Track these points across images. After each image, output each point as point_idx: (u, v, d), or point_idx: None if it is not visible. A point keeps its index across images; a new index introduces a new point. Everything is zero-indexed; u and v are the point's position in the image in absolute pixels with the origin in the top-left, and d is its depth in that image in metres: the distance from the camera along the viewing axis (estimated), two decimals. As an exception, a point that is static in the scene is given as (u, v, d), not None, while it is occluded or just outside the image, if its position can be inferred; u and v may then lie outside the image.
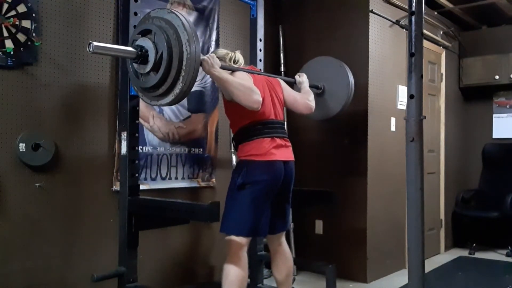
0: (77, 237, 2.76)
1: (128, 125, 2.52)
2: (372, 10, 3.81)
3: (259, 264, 3.16)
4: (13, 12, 2.47)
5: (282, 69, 4.23)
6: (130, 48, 2.14)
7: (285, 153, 2.58)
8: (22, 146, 2.48)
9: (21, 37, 2.49)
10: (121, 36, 2.84)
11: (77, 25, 2.75)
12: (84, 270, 2.70)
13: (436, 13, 4.80)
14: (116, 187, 2.85)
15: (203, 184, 3.48)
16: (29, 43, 2.51)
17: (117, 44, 2.90)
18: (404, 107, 4.02)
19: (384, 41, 3.98)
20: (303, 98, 2.82)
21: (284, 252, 2.73)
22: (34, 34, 2.53)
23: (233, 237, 2.43)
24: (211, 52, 2.82)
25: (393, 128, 4.10)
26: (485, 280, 4.00)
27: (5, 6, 2.44)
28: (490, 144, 5.33)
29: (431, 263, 4.42)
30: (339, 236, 3.90)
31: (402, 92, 4.16)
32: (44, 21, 2.60)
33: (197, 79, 3.39)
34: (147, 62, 2.10)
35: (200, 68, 2.26)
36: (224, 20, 3.67)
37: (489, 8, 4.84)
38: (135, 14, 2.48)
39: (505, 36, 5.15)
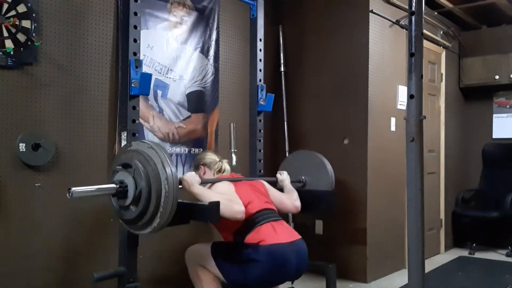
0: (77, 237, 2.76)
1: (128, 125, 2.52)
2: (372, 10, 3.81)
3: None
4: (13, 12, 2.47)
5: (282, 69, 4.23)
6: (111, 185, 2.16)
7: (288, 234, 2.50)
8: (22, 146, 2.48)
9: (21, 37, 2.49)
10: (121, 36, 2.84)
11: (77, 25, 2.75)
12: (84, 270, 2.70)
13: (436, 13, 4.80)
14: (116, 187, 2.84)
15: (203, 184, 3.48)
16: (29, 43, 2.51)
17: (117, 44, 2.91)
18: (404, 107, 4.02)
19: (384, 41, 3.98)
20: (289, 199, 2.87)
21: None
22: (34, 34, 2.53)
23: (219, 273, 2.45)
24: (201, 155, 2.89)
25: (393, 128, 4.10)
26: (485, 280, 4.00)
27: (5, 6, 2.44)
28: (490, 144, 5.33)
29: (431, 263, 4.42)
30: (339, 236, 3.90)
31: (402, 92, 4.16)
32: (44, 21, 2.60)
33: (197, 79, 3.45)
34: (127, 197, 2.14)
35: None
36: (224, 20, 3.67)
37: (489, 8, 4.84)
38: (135, 14, 2.48)
39: (505, 36, 5.15)
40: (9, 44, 2.44)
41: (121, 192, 2.15)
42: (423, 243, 1.51)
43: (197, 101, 3.43)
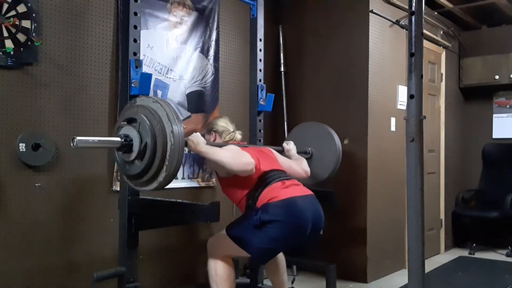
0: (77, 237, 2.76)
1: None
2: (372, 10, 3.81)
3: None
4: (13, 12, 2.47)
5: (282, 69, 4.23)
6: (116, 138, 2.14)
7: (301, 189, 2.49)
8: (22, 146, 2.48)
9: (21, 37, 2.49)
10: (121, 37, 2.84)
11: (77, 25, 2.75)
12: (84, 270, 2.70)
13: (436, 13, 4.80)
14: (116, 187, 2.85)
15: (203, 184, 3.48)
16: (29, 43, 2.51)
17: (117, 44, 2.91)
18: (404, 107, 4.01)
19: (384, 41, 3.98)
20: (298, 164, 2.85)
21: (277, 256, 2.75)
22: (34, 34, 2.53)
23: (240, 249, 2.40)
24: (215, 120, 2.85)
25: (393, 128, 4.10)
26: (485, 280, 4.00)
27: (5, 6, 2.44)
28: (490, 144, 5.33)
29: (431, 263, 4.42)
30: (339, 236, 3.90)
31: (402, 92, 4.16)
32: (44, 21, 2.60)
33: (197, 79, 3.45)
34: (132, 151, 2.11)
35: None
36: (224, 20, 3.67)
37: (489, 8, 4.84)
38: (135, 14, 2.47)
39: (505, 36, 5.15)
40: (9, 44, 2.44)
41: (126, 146, 2.11)
42: (423, 243, 1.51)
43: (197, 101, 3.43)
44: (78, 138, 1.98)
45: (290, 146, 3.01)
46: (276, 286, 2.78)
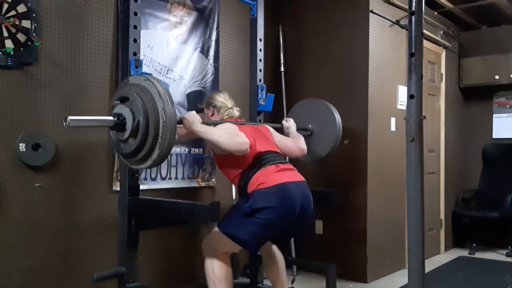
0: (77, 237, 2.76)
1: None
2: (372, 10, 3.81)
3: (259, 264, 3.16)
4: (13, 12, 2.46)
5: (282, 69, 4.23)
6: (108, 117, 2.16)
7: (293, 175, 2.50)
8: (22, 146, 2.48)
9: (21, 37, 2.49)
10: (121, 37, 2.84)
11: (77, 25, 2.75)
12: (84, 270, 2.70)
13: (436, 13, 4.80)
14: (116, 187, 2.84)
15: (203, 184, 3.48)
16: (29, 43, 2.51)
17: (117, 44, 2.91)
18: (404, 107, 4.01)
19: (384, 41, 3.98)
20: (294, 142, 2.85)
21: (274, 252, 2.78)
22: (34, 34, 2.53)
23: (232, 242, 2.41)
24: (214, 94, 2.85)
25: (393, 128, 4.10)
26: (485, 280, 4.00)
27: (5, 6, 2.44)
28: (490, 144, 5.33)
29: (431, 263, 4.42)
30: (339, 236, 3.90)
31: (402, 92, 4.16)
32: (44, 21, 2.60)
33: (197, 79, 3.45)
34: (125, 129, 2.13)
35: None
36: (224, 20, 3.67)
37: (489, 8, 4.84)
38: (135, 14, 2.48)
39: (505, 36, 5.15)
40: (9, 44, 2.44)
41: (119, 125, 2.13)
42: (423, 243, 1.51)
43: (197, 101, 3.43)
44: (70, 117, 2.00)
45: (289, 123, 3.00)
46: (275, 286, 2.78)
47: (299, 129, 3.04)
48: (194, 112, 2.41)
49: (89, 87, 2.81)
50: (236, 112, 2.75)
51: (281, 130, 2.97)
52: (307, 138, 3.13)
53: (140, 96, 2.08)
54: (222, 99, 2.77)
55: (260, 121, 3.22)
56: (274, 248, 2.78)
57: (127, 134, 2.12)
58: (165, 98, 2.04)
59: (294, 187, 2.42)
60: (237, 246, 2.43)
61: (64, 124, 1.99)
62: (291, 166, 2.56)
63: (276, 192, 2.35)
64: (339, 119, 3.21)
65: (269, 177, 2.39)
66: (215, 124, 2.52)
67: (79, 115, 2.75)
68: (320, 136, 3.20)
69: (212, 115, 2.73)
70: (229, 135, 2.35)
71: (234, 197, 3.48)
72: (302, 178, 2.53)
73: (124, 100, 2.15)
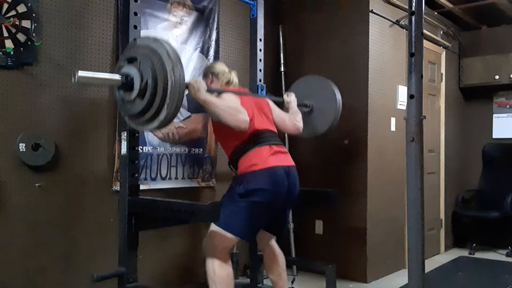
0: (77, 237, 2.76)
1: (128, 125, 2.52)
2: (372, 10, 3.81)
3: (259, 264, 3.16)
4: (13, 12, 2.47)
5: (282, 69, 4.23)
6: (116, 76, 2.14)
7: (285, 159, 2.56)
8: (22, 146, 2.48)
9: (21, 37, 2.49)
10: (121, 37, 2.84)
11: (77, 25, 2.75)
12: (84, 270, 2.71)
13: (436, 13, 4.80)
14: (116, 187, 2.85)
15: (203, 184, 3.48)
16: (29, 43, 2.51)
17: (117, 44, 2.91)
18: (404, 107, 4.01)
19: (384, 41, 3.98)
20: (291, 119, 2.86)
21: (275, 251, 2.78)
22: (34, 34, 2.53)
23: (227, 234, 2.43)
24: (211, 63, 2.85)
25: (393, 128, 4.10)
26: (485, 280, 4.00)
27: (5, 6, 2.44)
28: (490, 144, 5.33)
29: (431, 263, 4.42)
30: (339, 236, 3.90)
31: (402, 92, 4.16)
32: (44, 21, 2.60)
33: (197, 79, 3.44)
34: (133, 89, 2.11)
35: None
36: (224, 20, 3.67)
37: (489, 8, 4.84)
38: (135, 14, 2.48)
39: (505, 36, 5.15)
40: (9, 44, 2.44)
41: (126, 84, 2.12)
42: (423, 243, 1.51)
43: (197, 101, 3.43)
44: (80, 72, 1.99)
45: (291, 98, 3.00)
46: (276, 286, 2.78)
47: (299, 105, 3.04)
48: (200, 79, 2.44)
49: (89, 87, 2.81)
50: (234, 77, 2.76)
51: (282, 104, 2.98)
52: (307, 115, 3.16)
53: (148, 56, 2.07)
54: (219, 65, 2.81)
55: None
56: (275, 246, 2.78)
57: (134, 94, 2.10)
58: (175, 59, 2.03)
59: (283, 171, 2.49)
60: (234, 238, 2.45)
61: (73, 79, 1.99)
62: (284, 149, 2.61)
63: (267, 175, 2.42)
64: (339, 96, 3.22)
65: (261, 159, 2.45)
66: (219, 92, 2.53)
67: (79, 115, 2.76)
68: (320, 112, 3.21)
69: (211, 82, 2.73)
70: (232, 110, 2.38)
71: None
72: (292, 163, 2.59)
73: (132, 60, 2.13)
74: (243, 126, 2.39)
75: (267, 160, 2.45)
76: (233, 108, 2.39)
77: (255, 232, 2.58)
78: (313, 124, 3.19)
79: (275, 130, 2.69)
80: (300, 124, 2.87)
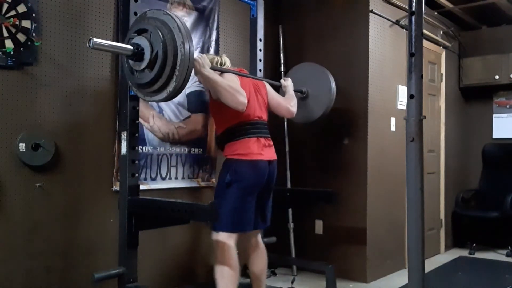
0: (77, 237, 2.76)
1: (128, 125, 2.53)
2: (372, 10, 3.81)
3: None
4: (13, 12, 2.47)
5: (282, 69, 4.23)
6: (127, 46, 2.21)
7: (269, 153, 2.71)
8: (22, 146, 2.48)
9: (21, 37, 2.49)
10: (121, 37, 2.84)
11: (77, 25, 2.75)
12: (84, 270, 2.71)
13: (436, 13, 4.80)
14: (116, 187, 2.85)
15: (203, 184, 3.48)
16: (29, 43, 2.51)
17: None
18: (404, 107, 4.02)
19: (384, 41, 3.98)
20: (286, 103, 2.97)
21: (260, 247, 2.83)
22: (34, 34, 2.53)
23: (221, 235, 2.53)
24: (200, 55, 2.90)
25: (393, 128, 4.10)
26: (485, 280, 4.00)
27: (5, 6, 2.44)
28: (490, 144, 5.33)
29: (431, 263, 4.42)
30: (339, 236, 3.90)
31: (402, 92, 4.16)
32: (44, 21, 2.60)
33: (197, 79, 3.44)
34: (143, 59, 2.17)
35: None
36: (224, 20, 3.67)
37: (489, 8, 4.84)
38: (135, 14, 2.48)
39: (505, 36, 5.15)
40: (9, 44, 2.44)
41: (137, 54, 2.17)
42: (423, 243, 1.51)
43: (197, 101, 3.43)
44: (95, 39, 2.07)
45: (287, 82, 3.13)
46: (256, 281, 2.81)
47: (295, 91, 3.16)
48: (205, 55, 2.55)
49: (89, 87, 2.81)
50: (225, 58, 2.84)
51: (279, 88, 3.11)
52: (302, 100, 3.31)
53: (159, 28, 2.12)
54: (207, 54, 2.89)
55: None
56: (261, 240, 2.84)
57: (144, 64, 2.15)
58: (185, 33, 2.10)
59: (266, 165, 2.66)
60: (233, 234, 2.56)
61: (88, 45, 2.07)
62: (270, 142, 2.74)
63: (251, 167, 2.59)
64: (333, 84, 3.37)
65: (247, 150, 2.59)
66: (221, 71, 2.62)
67: (78, 115, 2.76)
68: (314, 98, 3.36)
69: None
70: (233, 90, 2.48)
71: None
72: (275, 157, 2.75)
73: (142, 31, 2.18)
74: (240, 107, 2.51)
75: (253, 153, 2.59)
76: (234, 88, 2.49)
77: (248, 219, 2.63)
78: (308, 110, 3.35)
79: (266, 117, 2.80)
80: (294, 108, 2.99)
